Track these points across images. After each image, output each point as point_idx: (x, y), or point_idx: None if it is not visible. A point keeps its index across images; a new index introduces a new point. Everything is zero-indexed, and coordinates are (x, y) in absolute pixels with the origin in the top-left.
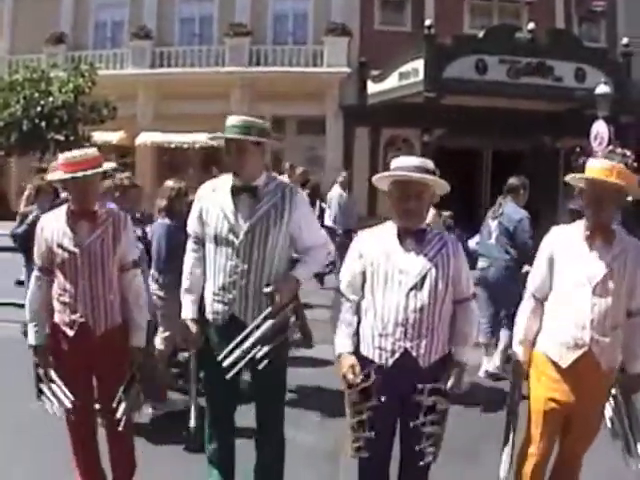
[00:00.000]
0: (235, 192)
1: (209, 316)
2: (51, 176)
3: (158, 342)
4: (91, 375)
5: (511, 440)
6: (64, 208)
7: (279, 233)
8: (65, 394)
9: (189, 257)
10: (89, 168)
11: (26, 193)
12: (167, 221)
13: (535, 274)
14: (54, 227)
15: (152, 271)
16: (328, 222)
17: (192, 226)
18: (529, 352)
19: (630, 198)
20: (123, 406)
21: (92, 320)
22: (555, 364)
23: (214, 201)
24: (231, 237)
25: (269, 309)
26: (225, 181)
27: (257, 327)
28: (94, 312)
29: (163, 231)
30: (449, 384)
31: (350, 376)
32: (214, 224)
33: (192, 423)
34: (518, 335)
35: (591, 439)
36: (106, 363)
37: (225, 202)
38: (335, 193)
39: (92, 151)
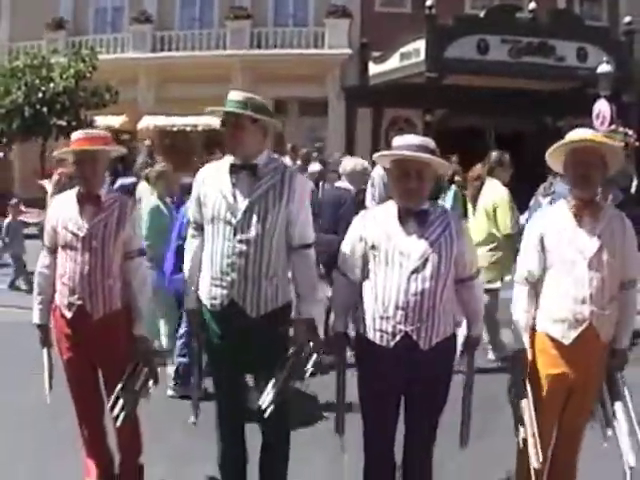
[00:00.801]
0: (234, 171)
1: (207, 302)
2: (57, 152)
3: None
4: (92, 359)
5: (529, 423)
6: (75, 191)
7: (278, 214)
8: (49, 378)
9: (189, 245)
10: (87, 145)
11: (55, 178)
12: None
13: (525, 258)
14: (62, 208)
15: None
16: (370, 202)
17: (191, 211)
18: (527, 337)
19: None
20: (120, 403)
21: (90, 304)
22: (556, 342)
23: (213, 183)
24: (229, 216)
25: (290, 353)
26: (224, 162)
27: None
28: (92, 296)
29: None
30: (464, 360)
31: (337, 357)
32: (212, 204)
33: (192, 419)
34: (519, 322)
35: (589, 411)
36: (106, 348)
37: (223, 182)
38: (379, 171)
39: (101, 132)
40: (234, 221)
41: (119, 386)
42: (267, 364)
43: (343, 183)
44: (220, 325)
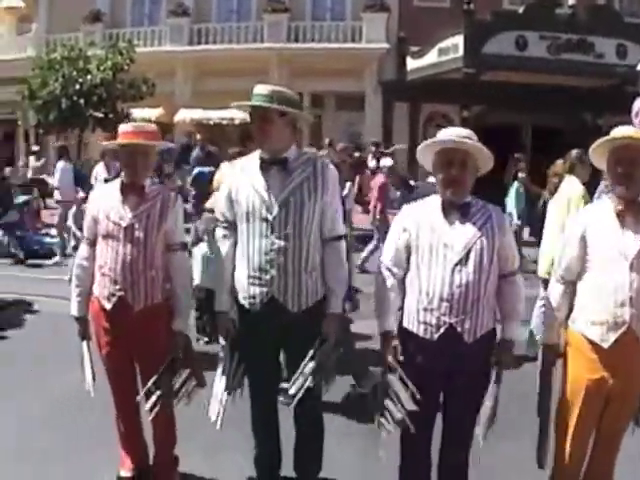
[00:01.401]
0: (264, 166)
1: (244, 302)
2: (105, 144)
3: None
4: (130, 352)
5: (551, 424)
6: (118, 181)
7: (314, 206)
8: (92, 370)
9: (221, 246)
10: (141, 139)
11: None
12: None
13: (565, 255)
14: (104, 199)
15: None
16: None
17: (221, 209)
18: (560, 335)
19: None
20: (153, 398)
21: (131, 295)
22: (594, 345)
23: (244, 179)
24: (264, 212)
25: (319, 348)
26: (253, 158)
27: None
28: (133, 287)
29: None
30: (499, 363)
31: (390, 358)
32: (245, 201)
33: (218, 423)
34: (549, 319)
35: (629, 417)
36: (145, 341)
37: (255, 178)
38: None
39: (150, 126)
40: (270, 217)
41: (153, 379)
42: (303, 360)
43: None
44: (259, 323)
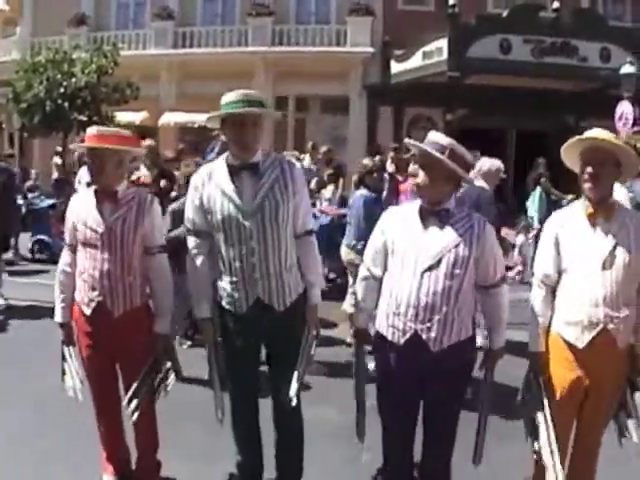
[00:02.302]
0: (234, 172)
1: (230, 307)
2: (73, 145)
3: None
4: (112, 356)
5: (543, 428)
6: (93, 188)
7: (288, 205)
8: (78, 374)
9: (192, 257)
10: (104, 144)
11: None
12: (365, 192)
13: (542, 260)
14: (81, 205)
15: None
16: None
17: (190, 219)
18: (545, 340)
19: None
20: (135, 402)
21: (110, 301)
22: (571, 345)
23: (213, 186)
24: (241, 219)
25: (307, 340)
26: (218, 164)
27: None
28: (112, 293)
29: (361, 202)
30: (483, 372)
31: (356, 345)
32: (219, 209)
33: (219, 415)
34: (534, 325)
35: (604, 418)
36: (125, 345)
37: (225, 184)
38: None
39: (118, 130)
40: (247, 224)
41: (136, 383)
42: (289, 355)
43: (479, 182)
44: (245, 325)
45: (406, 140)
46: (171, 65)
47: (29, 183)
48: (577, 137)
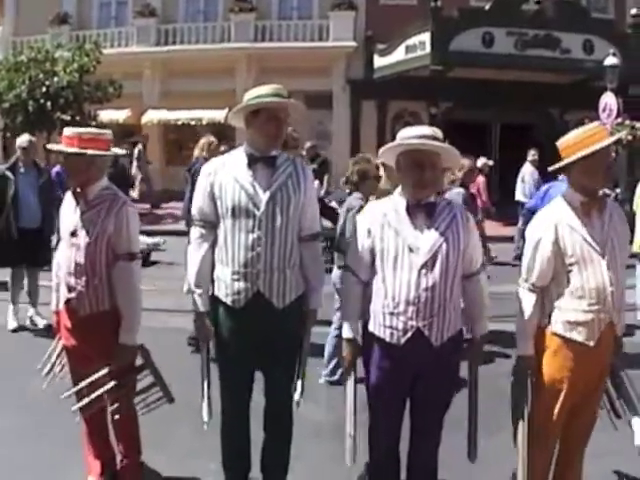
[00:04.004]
0: (252, 163)
1: (227, 300)
2: (50, 146)
3: None
4: (86, 354)
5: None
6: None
7: (299, 202)
8: (61, 368)
9: (197, 247)
10: (83, 147)
11: (202, 142)
12: (462, 190)
13: (536, 262)
14: (66, 205)
15: None
16: (521, 197)
17: (198, 207)
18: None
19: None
20: (82, 403)
21: (76, 300)
22: (578, 344)
23: (227, 175)
24: (251, 208)
25: (307, 342)
26: (235, 155)
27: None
28: (79, 293)
29: (461, 200)
30: (471, 361)
31: (346, 367)
32: (230, 197)
33: (205, 417)
34: (525, 329)
35: (595, 410)
36: (92, 347)
37: (240, 174)
38: (529, 169)
39: (97, 131)
40: (257, 213)
41: (84, 384)
42: (286, 355)
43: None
44: (242, 320)
45: (389, 146)
46: (154, 62)
47: None
48: (592, 148)
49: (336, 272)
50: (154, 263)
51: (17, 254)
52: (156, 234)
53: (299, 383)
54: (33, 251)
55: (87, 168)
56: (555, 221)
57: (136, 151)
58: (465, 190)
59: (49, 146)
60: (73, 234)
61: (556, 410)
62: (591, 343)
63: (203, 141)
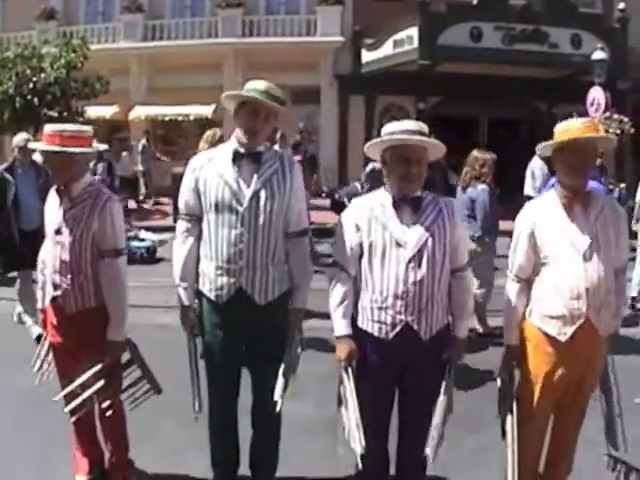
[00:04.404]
0: (237, 158)
1: (211, 294)
2: (33, 145)
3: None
4: (71, 352)
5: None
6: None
7: (283, 198)
8: (48, 364)
9: (182, 240)
10: (64, 145)
11: (208, 133)
12: (485, 187)
13: (516, 254)
14: (50, 201)
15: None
16: (530, 192)
17: (184, 200)
18: (518, 333)
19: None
20: (75, 403)
21: (62, 298)
22: (551, 338)
23: (211, 170)
24: (234, 204)
25: (292, 341)
26: (221, 150)
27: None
28: (65, 291)
29: (486, 196)
30: (451, 359)
31: (345, 364)
32: (214, 192)
33: (196, 407)
34: (509, 319)
35: (583, 408)
36: (79, 344)
37: (225, 169)
38: (538, 163)
39: (78, 128)
40: (240, 208)
41: (78, 383)
42: (270, 353)
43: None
44: (223, 316)
45: (375, 141)
46: (141, 58)
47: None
48: (563, 139)
49: None
50: (159, 260)
51: (22, 258)
52: (161, 230)
53: (280, 382)
54: (35, 253)
55: (70, 165)
56: (536, 214)
57: (140, 146)
58: (488, 186)
59: (30, 145)
60: (57, 232)
61: (537, 403)
62: (562, 338)
63: (208, 133)
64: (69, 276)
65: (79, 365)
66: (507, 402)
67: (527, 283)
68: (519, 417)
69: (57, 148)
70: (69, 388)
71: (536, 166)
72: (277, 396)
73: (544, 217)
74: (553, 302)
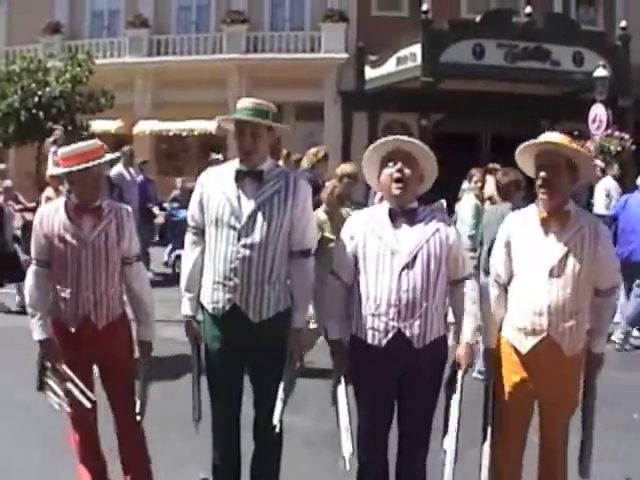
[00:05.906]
0: (239, 177)
1: (209, 307)
2: (54, 170)
3: None
4: (91, 367)
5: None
6: (63, 200)
7: (282, 218)
8: (84, 393)
9: (189, 252)
10: (90, 160)
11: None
12: (510, 205)
13: (495, 260)
14: (55, 220)
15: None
16: (603, 211)
17: (192, 214)
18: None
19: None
20: (141, 407)
21: (94, 314)
22: (516, 349)
23: (217, 186)
24: (233, 221)
25: (289, 363)
26: (229, 167)
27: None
28: (97, 307)
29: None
30: (460, 368)
31: (337, 367)
32: (215, 208)
33: (196, 416)
34: (486, 322)
35: (564, 426)
36: (109, 355)
37: (228, 186)
38: (612, 183)
39: (92, 142)
40: (238, 226)
41: (138, 389)
42: (268, 371)
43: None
44: (221, 330)
45: (372, 146)
46: (146, 73)
47: (174, 194)
48: (532, 140)
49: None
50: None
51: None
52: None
53: (279, 405)
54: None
55: (101, 178)
56: (513, 225)
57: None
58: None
59: (52, 172)
60: (87, 249)
61: (507, 409)
62: (523, 350)
63: (311, 151)
64: (103, 290)
65: (88, 376)
66: (486, 406)
67: (505, 289)
68: (496, 428)
69: (97, 162)
70: (136, 396)
71: (612, 187)
72: (276, 420)
73: (520, 229)
74: (519, 314)
